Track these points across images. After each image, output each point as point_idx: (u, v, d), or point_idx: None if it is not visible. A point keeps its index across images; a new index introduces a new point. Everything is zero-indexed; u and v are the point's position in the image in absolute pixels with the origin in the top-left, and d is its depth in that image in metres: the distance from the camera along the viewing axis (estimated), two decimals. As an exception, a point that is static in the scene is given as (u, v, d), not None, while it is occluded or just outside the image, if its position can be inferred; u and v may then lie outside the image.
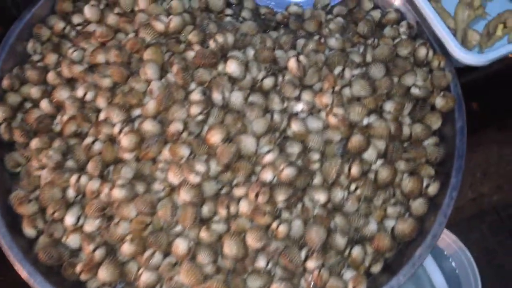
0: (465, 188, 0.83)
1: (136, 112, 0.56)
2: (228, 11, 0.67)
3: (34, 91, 0.60)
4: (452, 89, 0.63)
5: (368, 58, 0.63)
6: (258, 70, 0.58)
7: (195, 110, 0.53)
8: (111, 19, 0.62)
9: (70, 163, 0.55)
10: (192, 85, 0.56)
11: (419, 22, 0.67)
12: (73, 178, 0.54)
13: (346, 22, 0.67)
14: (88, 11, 0.64)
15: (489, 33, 0.69)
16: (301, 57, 0.58)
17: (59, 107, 0.59)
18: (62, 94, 0.59)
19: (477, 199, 0.84)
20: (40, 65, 0.63)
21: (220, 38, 0.58)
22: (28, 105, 0.61)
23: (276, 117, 0.55)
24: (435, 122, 0.62)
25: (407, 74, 0.62)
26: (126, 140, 0.52)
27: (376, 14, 0.69)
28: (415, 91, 0.62)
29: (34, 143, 0.56)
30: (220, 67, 0.57)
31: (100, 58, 0.59)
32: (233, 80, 0.57)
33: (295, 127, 0.55)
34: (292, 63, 0.58)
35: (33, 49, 0.64)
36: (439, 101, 0.62)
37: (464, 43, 0.69)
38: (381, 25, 0.69)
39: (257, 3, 0.70)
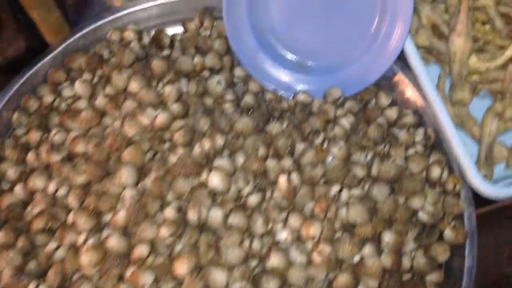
0: (488, 267, 0.76)
1: (107, 217, 0.52)
2: (229, 96, 0.62)
3: (11, 173, 0.57)
4: (465, 219, 0.56)
5: (374, 171, 0.57)
6: (244, 183, 0.52)
7: (165, 232, 0.48)
8: (99, 101, 0.58)
9: (32, 265, 0.52)
10: (170, 195, 0.51)
11: (437, 131, 0.60)
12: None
13: (356, 120, 0.61)
14: (79, 87, 0.60)
15: (519, 150, 0.61)
16: (293, 176, 0.52)
17: (33, 194, 0.56)
18: (36, 182, 0.55)
19: (499, 281, 0.76)
20: (22, 141, 0.59)
21: (207, 144, 0.53)
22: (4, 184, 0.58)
23: (256, 244, 0.50)
24: (442, 255, 0.55)
25: (415, 196, 0.55)
26: (86, 258, 0.48)
27: (392, 113, 0.62)
28: (422, 216, 0.55)
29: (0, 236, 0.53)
30: (204, 175, 0.52)
31: (80, 148, 0.55)
32: (214, 194, 0.51)
33: (275, 260, 0.49)
34: (282, 182, 0.52)
35: (18, 122, 0.61)
36: (448, 233, 0.55)
37: (488, 158, 0.61)
38: (396, 125, 0.62)
39: (265, 84, 0.65)
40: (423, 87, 0.59)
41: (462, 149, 0.55)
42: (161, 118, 0.54)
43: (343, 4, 0.62)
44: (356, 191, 0.54)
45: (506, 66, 0.62)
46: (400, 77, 0.64)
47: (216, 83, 0.61)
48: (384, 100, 0.63)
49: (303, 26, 0.64)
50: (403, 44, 0.60)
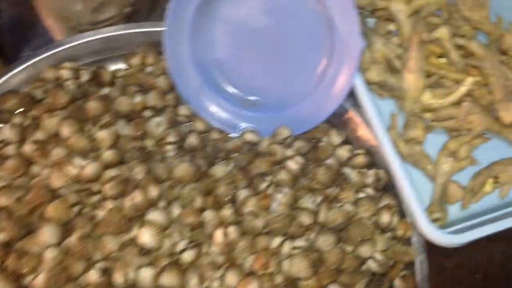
0: (463, 289, 0.73)
1: (28, 279, 0.47)
2: (171, 138, 0.58)
3: None
4: (417, 267, 0.53)
5: (321, 217, 0.54)
6: (179, 237, 0.49)
7: (87, 298, 0.44)
8: (27, 148, 0.54)
9: None
10: (96, 255, 0.47)
11: (388, 172, 0.57)
12: None
13: (306, 161, 0.57)
14: (8, 131, 0.56)
15: (474, 190, 0.59)
16: (231, 229, 0.49)
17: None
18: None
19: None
20: None
21: (139, 196, 0.49)
22: None
23: (188, 307, 0.46)
24: (393, 307, 0.52)
25: (364, 244, 0.52)
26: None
27: (343, 152, 0.59)
28: (371, 265, 0.52)
29: None
30: (134, 231, 0.48)
31: (2, 201, 0.51)
32: (146, 251, 0.48)
33: (209, 324, 0.45)
34: (218, 236, 0.48)
35: None
36: (397, 283, 0.52)
37: (443, 199, 0.58)
38: (348, 165, 0.59)
39: (211, 123, 0.61)
40: (373, 126, 0.57)
41: (412, 195, 0.52)
42: (91, 168, 0.51)
43: (290, 42, 0.59)
44: (300, 242, 0.51)
45: (460, 102, 0.59)
46: (352, 115, 0.61)
47: (156, 125, 0.58)
48: (336, 138, 0.60)
49: (249, 63, 0.61)
50: (351, 83, 0.57)
